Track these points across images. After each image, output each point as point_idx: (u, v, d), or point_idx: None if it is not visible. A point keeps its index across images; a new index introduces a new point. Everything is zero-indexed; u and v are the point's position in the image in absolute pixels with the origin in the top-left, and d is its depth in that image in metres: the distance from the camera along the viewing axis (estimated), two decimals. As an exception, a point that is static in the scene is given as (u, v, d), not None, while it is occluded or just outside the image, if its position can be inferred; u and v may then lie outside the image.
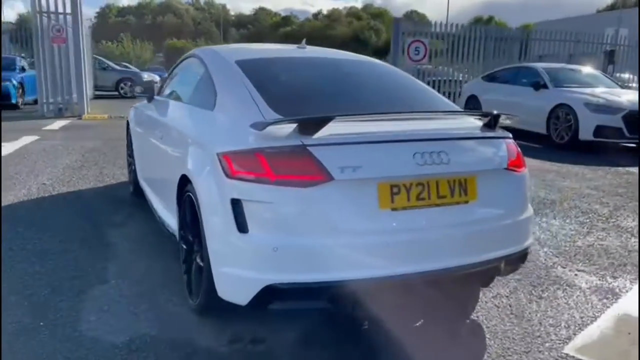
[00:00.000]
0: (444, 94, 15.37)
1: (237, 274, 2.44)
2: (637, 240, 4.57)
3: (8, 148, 7.96)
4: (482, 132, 2.88)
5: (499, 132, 2.92)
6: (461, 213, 2.66)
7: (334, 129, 2.51)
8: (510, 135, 3.00)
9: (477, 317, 3.06)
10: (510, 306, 3.21)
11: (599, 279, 3.69)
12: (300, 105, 2.95)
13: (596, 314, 3.15)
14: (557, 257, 4.10)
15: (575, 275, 3.75)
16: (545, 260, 4.02)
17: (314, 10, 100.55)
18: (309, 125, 2.47)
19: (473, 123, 2.98)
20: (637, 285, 3.60)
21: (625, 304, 3.31)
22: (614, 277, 3.73)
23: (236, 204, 2.42)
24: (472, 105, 12.75)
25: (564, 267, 3.89)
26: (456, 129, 2.86)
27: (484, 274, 2.84)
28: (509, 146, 2.89)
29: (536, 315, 3.11)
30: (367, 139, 2.52)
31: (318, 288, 2.42)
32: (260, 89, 2.96)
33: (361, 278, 2.43)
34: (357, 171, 2.42)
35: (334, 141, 2.46)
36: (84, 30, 13.00)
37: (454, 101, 15.14)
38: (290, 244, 2.37)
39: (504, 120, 3.07)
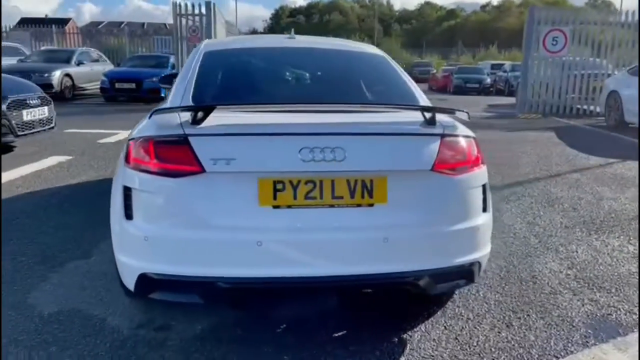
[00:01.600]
0: (593, 89, 13.70)
1: (123, 261, 2.49)
2: None
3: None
4: (407, 129, 2.52)
5: (436, 129, 2.52)
6: (363, 217, 2.38)
7: (226, 119, 2.42)
8: (458, 132, 2.56)
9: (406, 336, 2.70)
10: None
11: None
12: (228, 95, 2.89)
13: None
14: None
15: None
16: None
17: (484, 2, 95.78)
18: (199, 114, 2.41)
19: (414, 118, 2.62)
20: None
21: None
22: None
23: (127, 191, 2.47)
24: (612, 102, 11.08)
25: None
26: (375, 124, 2.54)
27: (398, 288, 2.49)
28: (444, 145, 2.48)
29: None
30: (246, 130, 2.38)
31: (188, 282, 2.36)
32: (201, 78, 2.97)
33: (234, 277, 2.32)
34: (232, 164, 2.29)
35: (213, 132, 2.37)
36: (216, 28, 14.15)
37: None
38: (160, 235, 2.35)
39: (460, 116, 2.66)
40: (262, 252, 2.29)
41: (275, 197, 2.32)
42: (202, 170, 2.30)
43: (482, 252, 2.61)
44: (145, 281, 2.40)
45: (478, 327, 2.80)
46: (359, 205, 2.37)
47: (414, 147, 2.46)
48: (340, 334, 2.72)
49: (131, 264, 2.43)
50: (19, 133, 6.86)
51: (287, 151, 2.33)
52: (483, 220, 2.60)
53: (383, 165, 2.40)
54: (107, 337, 2.64)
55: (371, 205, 2.38)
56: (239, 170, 2.31)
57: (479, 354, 2.56)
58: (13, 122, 6.72)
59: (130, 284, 2.48)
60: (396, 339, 2.67)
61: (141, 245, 2.40)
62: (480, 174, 2.60)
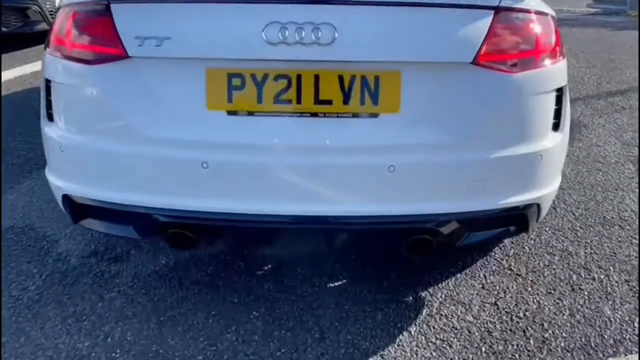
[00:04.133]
0: None
1: (48, 176, 1.90)
2: None
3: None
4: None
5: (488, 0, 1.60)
6: (360, 133, 1.59)
7: None
8: (523, 5, 1.62)
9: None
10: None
11: None
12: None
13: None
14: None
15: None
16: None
17: None
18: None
19: None
20: None
21: None
22: None
23: (47, 83, 1.81)
24: None
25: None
26: None
27: (410, 237, 1.73)
28: (499, 23, 1.57)
29: None
30: (186, -5, 1.59)
31: (119, 212, 1.74)
32: None
33: (172, 209, 1.66)
34: (165, 46, 1.55)
35: (142, -2, 1.61)
36: None
37: None
38: (76, 145, 1.70)
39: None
40: (209, 177, 1.60)
41: (230, 99, 1.57)
42: (124, 54, 1.57)
43: (545, 189, 1.76)
44: (71, 205, 1.81)
45: (529, 290, 2.03)
46: (355, 115, 1.58)
47: (447, 25, 1.57)
48: (334, 284, 2.05)
49: (53, 180, 1.84)
50: (52, 20, 6.39)
51: (247, 28, 1.53)
52: (552, 142, 1.72)
53: (395, 54, 1.55)
54: (49, 265, 2.15)
55: (374, 115, 1.58)
56: (175, 56, 1.57)
57: (524, 331, 1.81)
58: (44, 8, 6.23)
59: (62, 207, 1.91)
60: (410, 298, 1.96)
61: (59, 157, 1.78)
62: (555, 73, 1.68)
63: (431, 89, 1.57)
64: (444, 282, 2.06)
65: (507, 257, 2.22)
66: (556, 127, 1.75)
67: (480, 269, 2.15)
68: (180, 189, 1.64)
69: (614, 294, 2.01)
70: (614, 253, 2.27)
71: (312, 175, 1.59)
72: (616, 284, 2.07)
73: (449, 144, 1.58)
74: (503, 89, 1.59)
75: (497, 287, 2.04)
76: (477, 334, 1.79)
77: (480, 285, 2.05)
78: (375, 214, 1.62)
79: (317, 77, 1.55)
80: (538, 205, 1.78)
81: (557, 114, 1.74)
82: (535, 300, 1.97)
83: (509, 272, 2.13)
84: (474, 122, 1.58)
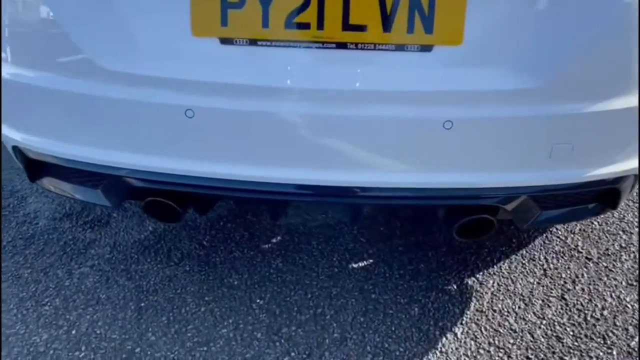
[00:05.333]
0: None
1: (-3, 121, 1.49)
2: None
3: None
4: None
5: None
6: (406, 72, 1.13)
7: None
8: None
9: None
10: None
11: None
12: None
13: None
14: None
15: None
16: None
17: None
18: None
19: None
20: None
21: None
22: None
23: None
24: None
25: None
26: None
27: (456, 213, 1.30)
28: None
29: None
30: None
31: (82, 172, 1.33)
32: None
33: (147, 171, 1.24)
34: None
35: None
36: None
37: None
38: (24, 83, 1.27)
39: None
40: (195, 129, 1.17)
41: (224, 21, 1.11)
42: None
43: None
44: (24, 159, 1.41)
45: (605, 280, 1.61)
46: (400, 48, 1.11)
47: None
48: (357, 265, 1.65)
49: (2, 128, 1.43)
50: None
51: None
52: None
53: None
54: (12, 229, 1.77)
55: (427, 48, 1.11)
56: (147, -43, 1.11)
57: (604, 338, 1.40)
58: None
59: (16, 161, 1.51)
60: (453, 287, 1.56)
61: (5, 97, 1.36)
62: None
63: (509, 10, 1.09)
64: (495, 266, 1.65)
65: (572, 235, 1.79)
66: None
67: (540, 249, 1.73)
68: (158, 145, 1.21)
69: None
70: None
71: (335, 131, 1.15)
72: None
73: (531, 92, 1.11)
74: (612, 9, 1.11)
75: (563, 275, 1.62)
76: (542, 339, 1.39)
77: (542, 272, 1.63)
78: (423, 185, 1.18)
79: (346, -8, 1.08)
80: (635, 177, 1.33)
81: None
82: (613, 295, 1.55)
83: (576, 254, 1.71)
84: (569, 59, 1.11)
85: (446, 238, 1.76)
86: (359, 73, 1.13)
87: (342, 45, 1.11)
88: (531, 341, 1.39)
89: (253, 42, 1.12)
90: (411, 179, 1.19)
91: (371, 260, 1.67)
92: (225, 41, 1.13)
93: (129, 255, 1.66)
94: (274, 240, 1.76)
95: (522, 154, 1.19)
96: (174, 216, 1.37)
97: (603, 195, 1.34)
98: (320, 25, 1.10)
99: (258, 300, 1.50)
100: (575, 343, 1.38)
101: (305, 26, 1.10)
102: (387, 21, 1.09)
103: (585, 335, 1.40)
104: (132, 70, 1.16)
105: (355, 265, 1.64)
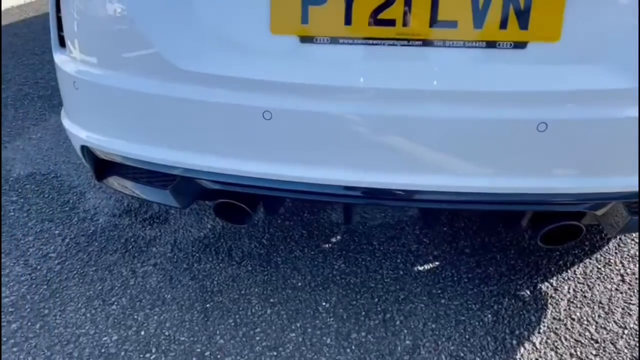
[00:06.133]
0: None
1: (63, 120, 1.48)
2: None
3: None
4: None
5: None
6: (498, 70, 1.06)
7: None
8: None
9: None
10: None
11: None
12: None
13: None
14: None
15: None
16: None
17: None
18: None
19: None
20: None
21: None
22: None
23: (57, -2, 1.35)
24: None
25: None
26: None
27: (544, 219, 1.23)
28: None
29: None
30: None
31: (153, 173, 1.31)
32: None
33: (223, 173, 1.21)
34: None
35: None
36: None
37: None
38: (93, 80, 1.25)
39: None
40: (273, 131, 1.13)
41: (304, 18, 1.07)
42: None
43: None
44: (92, 158, 1.40)
45: (688, 286, 1.52)
46: (491, 45, 1.04)
47: None
48: (422, 267, 1.60)
49: (68, 126, 1.42)
50: None
51: None
52: None
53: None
54: (74, 226, 1.78)
55: (521, 45, 1.04)
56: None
57: (692, 350, 1.33)
58: None
59: (84, 161, 1.50)
60: (527, 292, 1.49)
61: (74, 97, 1.34)
62: None
63: (611, 3, 1.02)
64: (569, 271, 1.57)
65: (648, 238, 1.70)
66: None
67: (615, 252, 1.64)
68: (232, 147, 1.18)
69: None
70: None
71: (423, 134, 1.09)
72: None
73: (633, 91, 1.04)
74: None
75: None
76: (626, 350, 1.32)
77: (619, 278, 1.55)
78: (513, 190, 1.12)
79: (436, -14, 1.01)
80: None
81: None
82: (700, 304, 1.47)
83: (655, 259, 1.62)
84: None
85: (513, 239, 1.69)
86: (447, 72, 1.07)
87: (428, 43, 1.06)
88: (614, 352, 1.32)
89: (334, 40, 1.07)
90: (501, 184, 1.13)
91: (437, 263, 1.61)
92: (305, 39, 1.08)
93: (190, 253, 1.65)
94: (333, 240, 1.72)
95: (618, 157, 1.11)
96: (243, 218, 1.34)
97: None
98: (406, 21, 1.04)
99: (324, 304, 1.47)
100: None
101: (390, 23, 1.05)
102: (478, 16, 1.03)
103: (674, 348, 1.33)
104: (207, 69, 1.12)
105: (420, 268, 1.59)
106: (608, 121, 1.06)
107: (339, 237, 1.73)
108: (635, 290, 1.51)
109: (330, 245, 1.70)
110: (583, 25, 1.03)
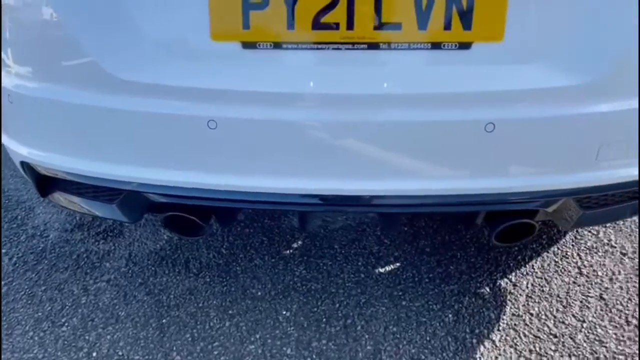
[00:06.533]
0: None
1: (2, 137, 1.41)
2: None
3: None
4: None
5: None
6: (444, 71, 1.05)
7: None
8: None
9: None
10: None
11: None
12: None
13: None
14: None
15: None
16: None
17: None
18: None
19: None
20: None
21: None
22: None
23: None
24: None
25: None
26: None
27: (495, 218, 1.23)
28: None
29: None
30: None
31: (96, 187, 1.26)
32: None
33: (167, 185, 1.17)
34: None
35: None
36: None
37: None
38: (28, 93, 1.19)
39: None
40: (218, 141, 1.09)
41: (245, 23, 1.03)
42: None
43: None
44: (34, 174, 1.33)
45: (642, 276, 1.55)
46: (436, 46, 1.03)
47: None
48: (384, 269, 1.59)
49: (7, 142, 1.35)
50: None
51: None
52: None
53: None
54: (22, 243, 1.70)
55: (466, 45, 1.03)
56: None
57: None
58: None
59: (25, 176, 1.43)
60: (487, 289, 1.50)
61: (9, 109, 1.28)
62: None
63: (552, 2, 1.01)
64: (527, 266, 1.58)
65: (603, 229, 1.72)
66: None
67: (572, 245, 1.66)
68: (177, 158, 1.14)
69: None
70: None
71: (369, 138, 1.07)
72: None
73: (579, 88, 1.04)
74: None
75: (600, 273, 1.56)
76: (585, 344, 1.34)
77: (577, 270, 1.57)
78: (463, 191, 1.11)
79: (378, -13, 0.99)
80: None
81: None
82: (653, 293, 1.49)
83: (610, 249, 1.64)
84: (618, 52, 1.03)
85: (473, 237, 1.70)
86: (393, 75, 1.05)
87: (374, 46, 1.04)
88: (573, 347, 1.33)
89: (277, 45, 1.04)
90: (453, 185, 1.11)
91: (398, 264, 1.60)
92: (247, 45, 1.05)
93: (146, 267, 1.60)
94: (294, 246, 1.69)
95: (568, 155, 1.11)
96: (195, 230, 1.30)
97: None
98: (350, 24, 1.02)
99: (284, 312, 1.44)
100: (620, 347, 1.32)
101: (334, 26, 1.02)
102: (422, 18, 1.01)
103: (629, 338, 1.34)
104: (147, 79, 1.08)
105: (382, 270, 1.58)
106: (554, 119, 1.06)
107: (300, 242, 1.71)
108: (594, 283, 1.53)
109: (291, 251, 1.67)
110: (526, 25, 1.02)
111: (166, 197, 1.18)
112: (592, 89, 1.04)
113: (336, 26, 1.02)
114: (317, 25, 1.02)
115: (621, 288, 1.50)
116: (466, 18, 1.01)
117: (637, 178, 1.17)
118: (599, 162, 1.12)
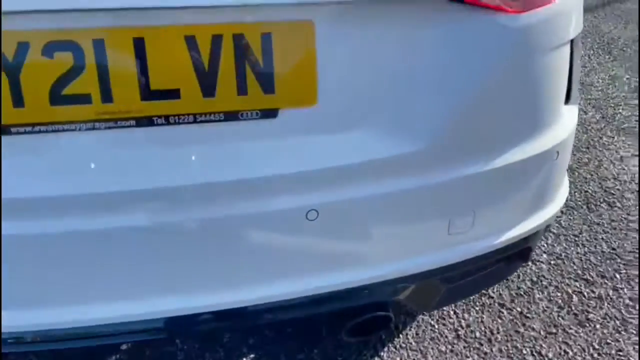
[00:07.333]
0: None
1: None
2: None
3: None
4: None
5: None
6: (244, 149, 0.80)
7: None
8: None
9: None
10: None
11: None
12: None
13: None
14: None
15: None
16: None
17: None
18: None
19: None
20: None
21: None
22: None
23: None
24: None
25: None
26: None
27: (341, 317, 1.01)
28: None
29: None
30: None
31: None
32: None
33: None
34: None
35: None
36: None
37: None
38: None
39: None
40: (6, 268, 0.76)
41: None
42: None
43: (556, 203, 1.09)
44: None
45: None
46: (231, 117, 0.78)
47: None
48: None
49: None
50: None
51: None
52: (568, 127, 1.03)
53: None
54: None
55: (271, 112, 0.78)
56: None
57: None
58: None
59: None
60: (356, 376, 1.27)
61: None
62: (572, 11, 0.97)
63: (375, 55, 0.80)
64: (401, 336, 1.38)
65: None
66: (568, 97, 1.06)
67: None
68: None
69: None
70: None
71: (163, 247, 0.79)
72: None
73: (412, 156, 0.83)
74: (504, 44, 0.85)
75: (477, 334, 1.38)
76: None
77: (454, 334, 1.38)
78: (292, 295, 0.86)
79: (138, 42, 0.72)
80: (548, 226, 1.11)
81: (570, 77, 1.04)
82: (534, 352, 1.34)
83: (488, 301, 1.48)
84: (455, 111, 0.83)
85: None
86: (176, 159, 0.78)
87: (146, 120, 0.76)
88: None
89: (22, 127, 0.73)
90: (275, 291, 0.86)
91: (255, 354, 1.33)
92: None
93: None
94: None
95: (412, 235, 0.91)
96: None
97: (516, 255, 1.11)
98: (107, 95, 0.74)
99: None
100: None
101: (83, 99, 0.73)
102: (206, 80, 0.75)
103: (513, 420, 1.17)
104: None
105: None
106: (388, 195, 0.84)
107: None
108: (472, 347, 1.35)
109: None
110: (344, 84, 0.80)
111: None
112: (428, 156, 0.84)
113: (87, 99, 0.74)
114: (59, 98, 0.73)
115: (500, 351, 1.34)
116: (265, 78, 0.77)
117: (497, 247, 0.99)
118: (451, 237, 0.92)
